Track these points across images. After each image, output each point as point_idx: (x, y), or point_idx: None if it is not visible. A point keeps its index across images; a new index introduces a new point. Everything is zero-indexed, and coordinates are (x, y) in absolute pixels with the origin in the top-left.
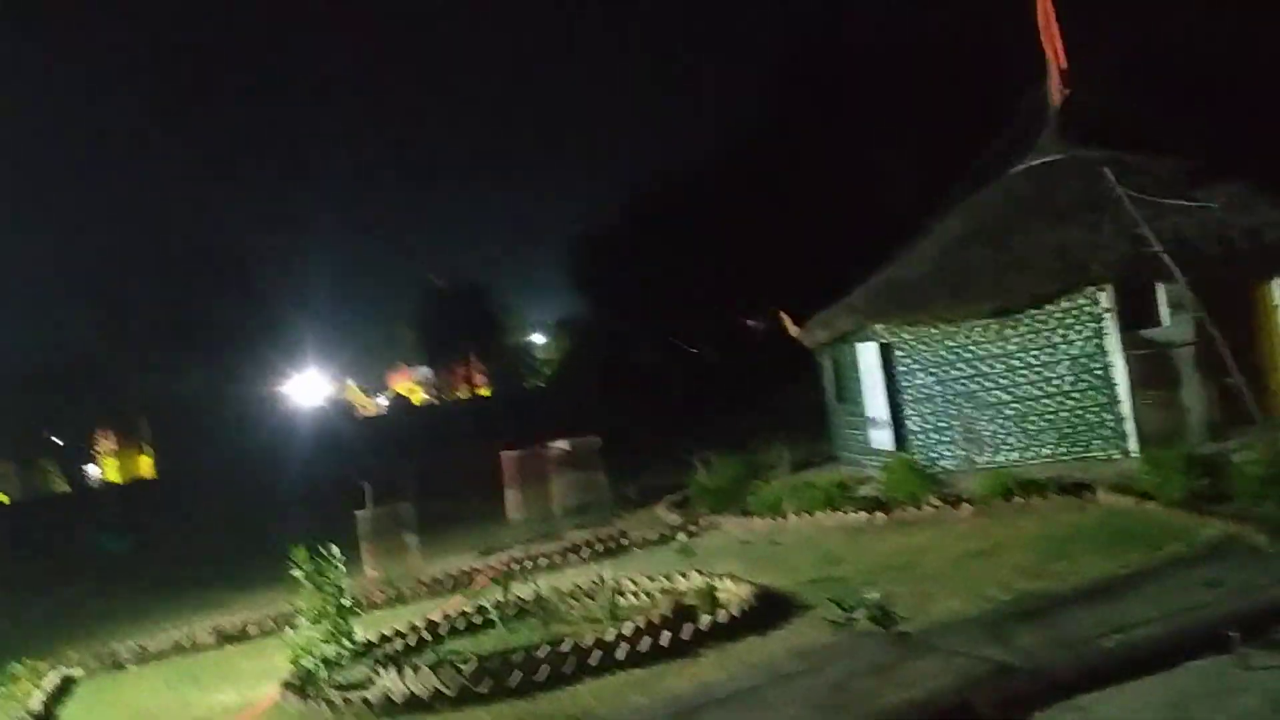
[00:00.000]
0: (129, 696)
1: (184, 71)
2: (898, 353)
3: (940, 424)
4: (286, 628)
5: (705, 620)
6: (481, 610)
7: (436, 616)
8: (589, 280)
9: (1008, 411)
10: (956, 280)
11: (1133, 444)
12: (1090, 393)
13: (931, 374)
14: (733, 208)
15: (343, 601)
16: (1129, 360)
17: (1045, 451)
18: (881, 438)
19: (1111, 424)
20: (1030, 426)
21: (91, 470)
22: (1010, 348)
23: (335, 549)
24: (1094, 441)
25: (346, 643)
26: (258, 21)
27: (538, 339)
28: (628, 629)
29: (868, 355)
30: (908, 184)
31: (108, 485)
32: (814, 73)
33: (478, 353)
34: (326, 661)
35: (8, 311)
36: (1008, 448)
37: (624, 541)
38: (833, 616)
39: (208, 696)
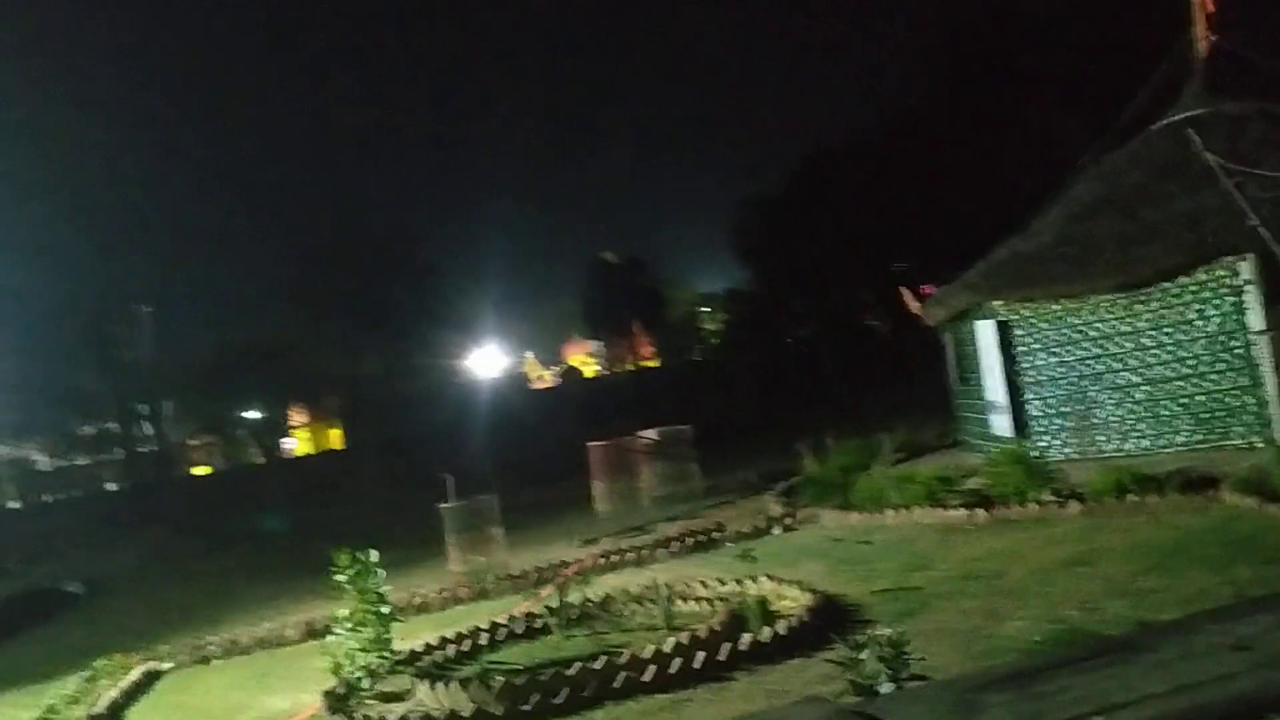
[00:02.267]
0: (195, 696)
1: (359, 56)
2: (1017, 331)
3: (1063, 409)
4: (327, 635)
5: (746, 639)
6: (547, 612)
7: (503, 619)
8: (750, 250)
9: (1137, 395)
10: (1080, 252)
11: (1278, 432)
12: (1229, 374)
13: (1054, 354)
14: (892, 174)
15: (381, 609)
16: (1274, 338)
17: (1179, 439)
18: (1000, 423)
19: (1254, 409)
20: (1162, 412)
21: (286, 443)
22: (1140, 325)
23: (375, 553)
24: (1234, 428)
25: (386, 652)
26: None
27: (705, 310)
28: (668, 645)
29: (985, 334)
30: (1049, 147)
31: (297, 458)
32: (964, 33)
33: (643, 325)
34: (367, 671)
35: (206, 296)
36: (1137, 435)
37: (715, 535)
38: (840, 657)
39: (262, 699)
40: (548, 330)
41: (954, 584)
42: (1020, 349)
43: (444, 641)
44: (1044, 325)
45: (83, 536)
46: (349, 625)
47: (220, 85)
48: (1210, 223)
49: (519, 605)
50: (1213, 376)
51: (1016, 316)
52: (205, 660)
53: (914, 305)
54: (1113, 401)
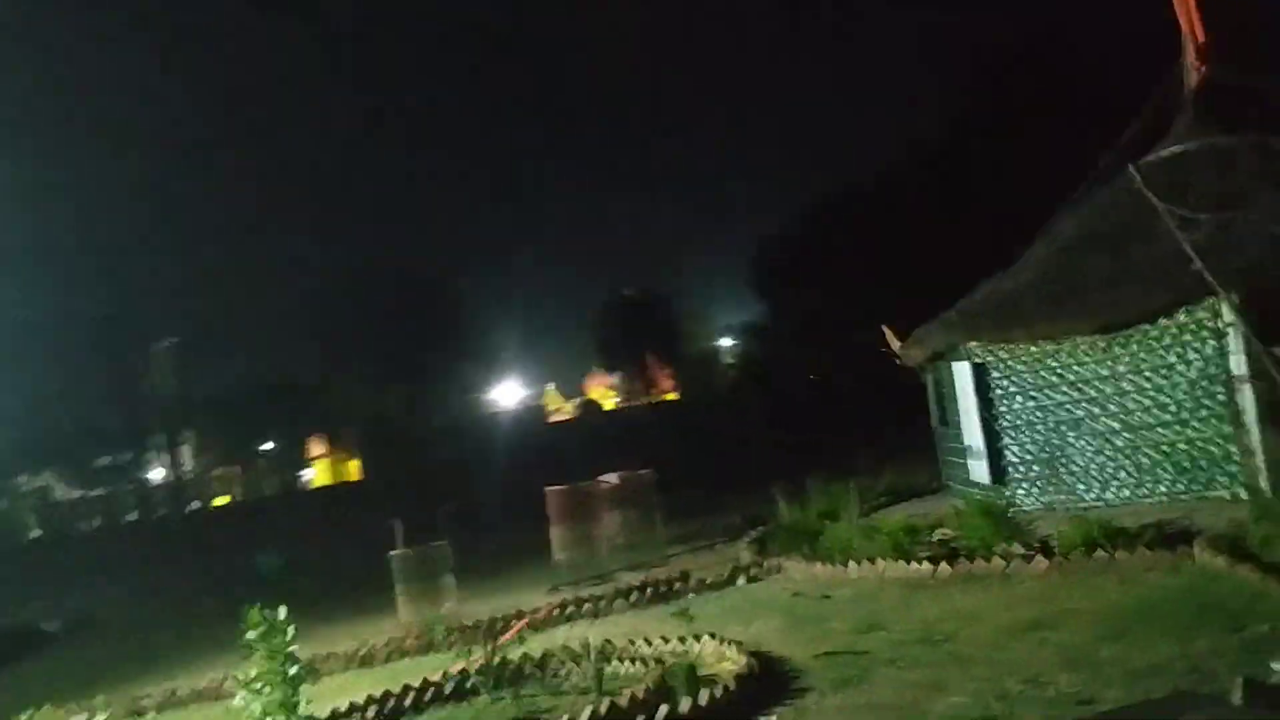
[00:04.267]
0: None
1: (387, 98)
2: (994, 374)
3: (1041, 456)
4: (235, 697)
5: (663, 712)
6: (478, 671)
7: (435, 677)
8: (767, 286)
9: (1118, 442)
10: (1060, 292)
11: (1264, 482)
12: (1213, 421)
13: (1032, 398)
14: (913, 211)
15: (288, 670)
16: (1256, 384)
17: (1160, 489)
18: (979, 469)
19: (1238, 459)
20: (1143, 460)
21: (305, 474)
22: (1120, 369)
23: (283, 611)
24: (1216, 478)
25: (293, 718)
26: (443, 39)
27: (726, 342)
28: (584, 715)
29: (962, 376)
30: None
31: (314, 489)
32: (978, 72)
33: (661, 359)
34: None
35: (231, 330)
36: (1117, 484)
37: (678, 586)
38: None
39: None
40: (571, 363)
41: (904, 648)
42: (997, 392)
43: (368, 701)
44: (1021, 367)
45: (83, 571)
46: (255, 687)
47: (252, 122)
48: (1193, 262)
49: (454, 663)
50: (1195, 424)
51: (993, 358)
52: (139, 713)
53: (894, 344)
54: (1092, 449)
